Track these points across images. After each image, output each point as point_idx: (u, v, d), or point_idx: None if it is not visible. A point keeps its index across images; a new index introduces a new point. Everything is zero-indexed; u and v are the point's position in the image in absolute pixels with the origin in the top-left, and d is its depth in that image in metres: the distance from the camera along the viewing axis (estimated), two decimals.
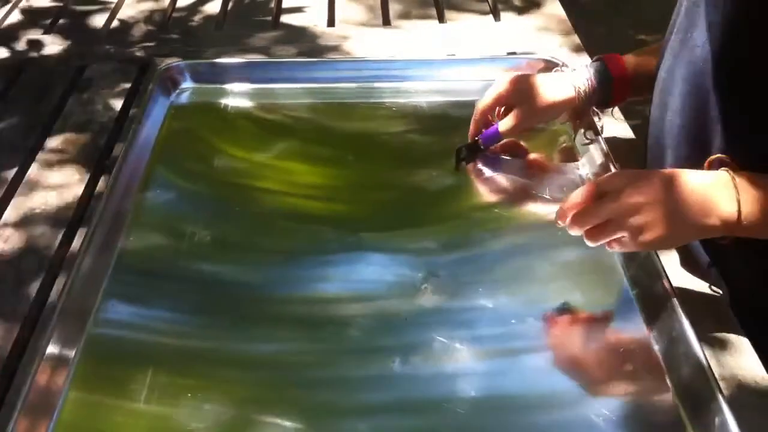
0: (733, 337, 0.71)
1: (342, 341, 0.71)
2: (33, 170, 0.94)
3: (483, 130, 0.89)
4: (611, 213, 0.64)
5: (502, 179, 0.89)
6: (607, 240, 0.66)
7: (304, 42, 1.20)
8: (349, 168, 0.92)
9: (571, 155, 0.92)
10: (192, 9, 1.34)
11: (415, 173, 0.90)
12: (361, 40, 1.20)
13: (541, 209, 0.85)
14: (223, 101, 1.04)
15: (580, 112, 0.89)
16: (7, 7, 1.34)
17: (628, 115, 1.01)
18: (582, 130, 0.91)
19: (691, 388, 0.64)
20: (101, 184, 0.92)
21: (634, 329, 0.71)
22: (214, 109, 1.02)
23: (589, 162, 0.90)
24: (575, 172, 0.90)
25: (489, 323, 0.72)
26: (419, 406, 0.66)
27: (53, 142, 0.99)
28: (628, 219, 0.64)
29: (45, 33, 1.25)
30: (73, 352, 0.69)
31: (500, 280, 0.77)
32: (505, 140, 0.89)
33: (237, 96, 1.05)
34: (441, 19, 1.29)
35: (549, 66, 1.04)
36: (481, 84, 1.05)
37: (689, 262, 0.78)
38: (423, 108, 1.02)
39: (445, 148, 0.91)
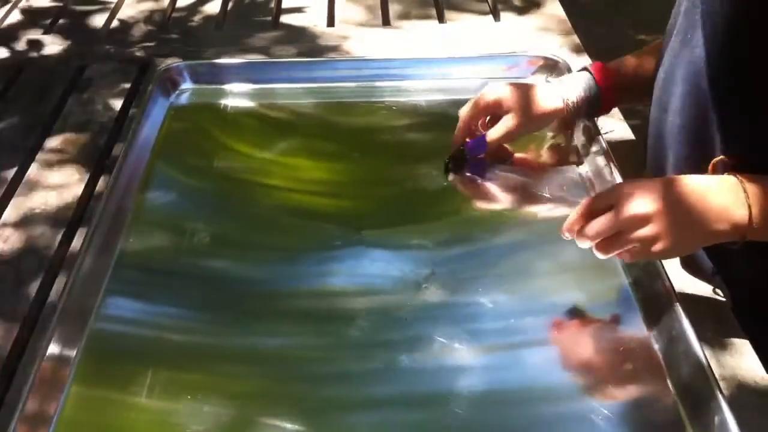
0: (733, 337, 0.71)
1: (345, 336, 0.71)
2: (33, 170, 0.94)
3: (467, 140, 0.88)
4: (621, 225, 0.64)
5: (499, 182, 0.88)
6: (618, 252, 0.66)
7: (304, 42, 1.20)
8: (353, 164, 0.93)
9: (568, 154, 0.92)
10: (192, 9, 1.34)
11: (416, 171, 0.90)
12: (361, 40, 1.20)
13: (541, 207, 0.85)
14: (223, 101, 1.04)
15: (568, 122, 0.89)
16: (7, 7, 1.34)
17: (628, 115, 1.01)
18: (566, 134, 0.91)
19: (691, 388, 0.64)
20: (101, 184, 0.92)
21: (634, 329, 0.71)
22: (213, 109, 1.02)
23: (589, 162, 0.90)
24: (575, 170, 0.90)
25: (490, 319, 0.73)
26: (422, 401, 0.66)
27: (53, 142, 0.99)
28: (638, 230, 0.63)
29: (45, 33, 1.26)
30: (74, 351, 0.70)
31: (502, 276, 0.77)
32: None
33: (237, 96, 1.05)
34: (441, 19, 1.29)
35: (548, 64, 1.04)
36: (481, 82, 1.04)
37: (689, 263, 0.78)
38: (423, 106, 1.02)
39: (445, 145, 0.91)
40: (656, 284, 0.72)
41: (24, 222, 0.86)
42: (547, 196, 0.86)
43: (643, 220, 0.63)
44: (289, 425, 0.64)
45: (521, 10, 1.30)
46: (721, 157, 0.68)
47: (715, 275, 0.76)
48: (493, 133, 0.85)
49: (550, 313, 0.73)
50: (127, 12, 1.32)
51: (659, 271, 0.72)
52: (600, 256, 0.67)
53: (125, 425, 0.64)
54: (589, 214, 0.67)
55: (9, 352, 0.71)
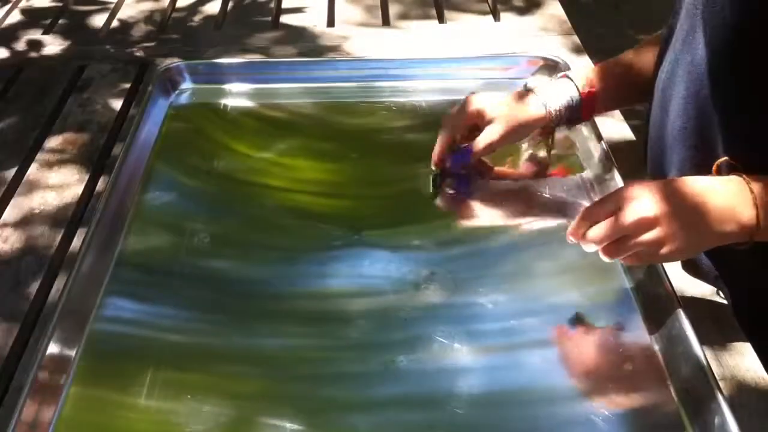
0: (733, 338, 0.71)
1: (345, 337, 0.71)
2: (32, 170, 0.94)
3: (449, 153, 0.85)
4: (628, 228, 0.63)
5: (496, 189, 0.87)
6: (625, 255, 0.66)
7: (304, 42, 1.20)
8: (353, 164, 0.93)
9: (548, 164, 0.90)
10: (192, 9, 1.34)
11: (416, 171, 0.90)
12: (361, 40, 1.20)
13: (541, 208, 0.85)
14: (223, 101, 1.04)
15: (549, 130, 0.88)
16: (7, 7, 1.34)
17: (628, 115, 1.01)
18: (547, 142, 0.89)
19: (691, 388, 0.64)
20: (101, 184, 0.92)
21: (634, 329, 0.71)
22: (213, 109, 1.02)
23: (589, 162, 0.90)
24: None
25: (490, 319, 0.73)
26: (422, 401, 0.66)
27: (53, 141, 0.99)
28: (645, 233, 0.63)
29: (45, 33, 1.26)
30: (74, 351, 0.70)
31: (501, 276, 0.77)
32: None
33: (237, 96, 1.05)
34: (441, 19, 1.29)
35: (548, 64, 1.04)
36: (480, 82, 1.05)
37: (690, 264, 0.78)
38: (422, 106, 1.02)
39: None
40: (656, 285, 0.72)
41: (24, 222, 0.86)
42: (547, 196, 0.86)
43: (650, 223, 0.63)
44: (289, 425, 0.64)
45: (521, 10, 1.30)
46: (725, 158, 0.67)
47: (715, 276, 0.76)
48: (477, 145, 0.83)
49: (550, 314, 0.73)
50: (127, 12, 1.32)
51: (659, 272, 0.72)
52: (605, 259, 0.67)
53: (125, 425, 0.64)
54: (594, 218, 0.66)
55: (9, 352, 0.71)
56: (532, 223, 0.84)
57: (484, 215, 0.85)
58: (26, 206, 0.89)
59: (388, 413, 0.66)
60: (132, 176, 0.89)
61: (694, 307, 0.74)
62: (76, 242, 0.83)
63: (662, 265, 0.73)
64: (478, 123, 0.84)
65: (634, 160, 0.88)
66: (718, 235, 0.64)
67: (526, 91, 0.85)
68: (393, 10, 1.32)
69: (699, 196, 0.63)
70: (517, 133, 0.83)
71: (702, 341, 0.66)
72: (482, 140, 0.83)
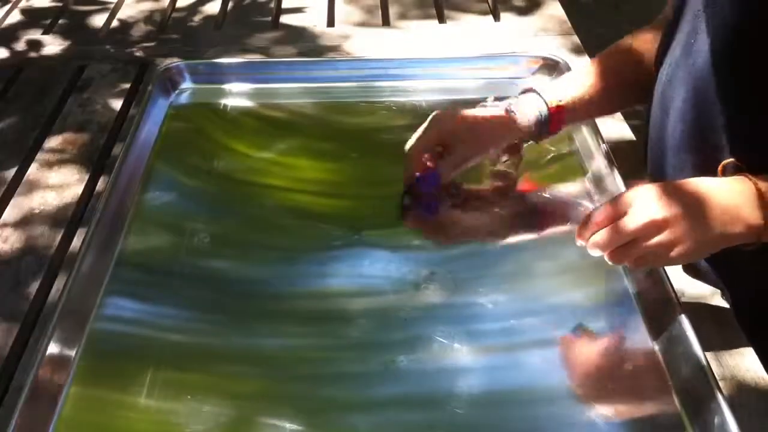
0: (733, 338, 0.71)
1: (345, 336, 0.71)
2: (32, 170, 0.94)
3: (418, 174, 0.82)
4: (637, 231, 0.63)
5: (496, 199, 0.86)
6: (632, 259, 0.65)
7: (304, 42, 1.20)
8: (353, 164, 0.93)
9: (517, 179, 0.88)
10: (192, 9, 1.34)
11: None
12: (361, 40, 1.20)
13: (542, 208, 0.85)
14: (223, 101, 1.04)
15: (518, 146, 0.86)
16: (7, 7, 1.34)
17: (628, 116, 1.01)
18: (504, 158, 0.87)
19: (691, 388, 0.64)
20: (101, 184, 0.92)
21: (634, 330, 0.71)
22: (213, 109, 1.02)
23: (589, 163, 0.90)
24: (575, 171, 0.89)
25: (490, 319, 0.73)
26: (422, 401, 0.66)
27: (53, 141, 0.99)
28: (654, 237, 0.62)
29: (45, 33, 1.26)
30: (74, 351, 0.70)
31: (502, 276, 0.77)
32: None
33: (237, 96, 1.05)
34: (441, 19, 1.29)
35: (548, 64, 1.04)
36: (480, 82, 1.05)
37: (690, 264, 0.78)
38: (422, 106, 1.02)
39: None
40: (657, 285, 0.72)
41: (24, 222, 0.86)
42: (547, 196, 0.86)
43: (659, 226, 0.62)
44: (289, 425, 0.64)
45: (521, 10, 1.30)
46: (731, 159, 0.67)
47: (715, 277, 0.76)
48: (446, 165, 0.81)
49: (549, 314, 0.73)
50: (127, 12, 1.32)
51: (660, 273, 0.72)
52: (612, 263, 0.66)
53: (125, 425, 0.64)
54: (603, 221, 0.65)
55: (9, 352, 0.71)
56: (533, 225, 0.84)
57: (484, 216, 0.85)
58: (26, 206, 0.89)
59: (388, 413, 0.66)
60: (132, 176, 0.89)
61: (695, 307, 0.74)
62: (76, 242, 0.83)
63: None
64: (445, 142, 0.81)
65: (634, 160, 0.88)
66: (726, 237, 0.63)
67: (493, 107, 0.83)
68: (393, 10, 1.32)
69: (707, 198, 0.63)
70: (485, 149, 0.82)
71: (702, 341, 0.66)
72: (449, 161, 0.81)
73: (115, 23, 1.29)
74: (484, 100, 0.85)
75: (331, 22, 1.28)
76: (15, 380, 0.68)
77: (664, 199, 0.63)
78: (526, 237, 0.82)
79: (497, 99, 0.84)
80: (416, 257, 0.80)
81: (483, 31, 1.23)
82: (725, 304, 0.75)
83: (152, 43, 1.21)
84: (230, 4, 1.35)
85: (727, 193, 0.64)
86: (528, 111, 0.81)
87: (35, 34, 1.25)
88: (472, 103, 0.83)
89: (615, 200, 0.65)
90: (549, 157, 0.92)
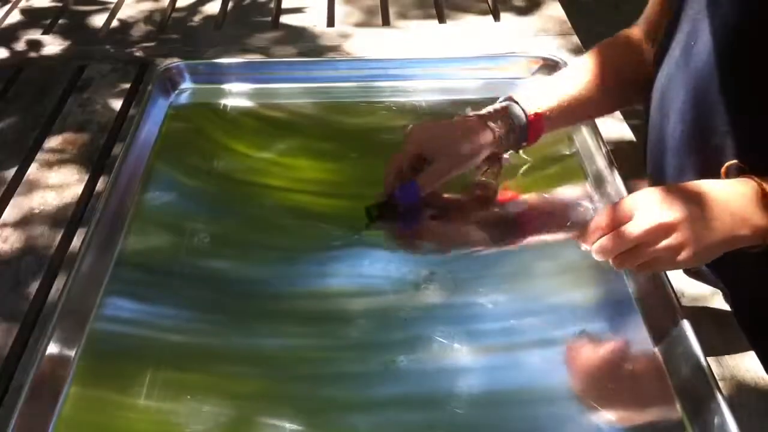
0: (733, 338, 0.71)
1: (345, 336, 0.71)
2: (32, 170, 0.94)
3: (398, 186, 0.80)
4: (643, 236, 0.62)
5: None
6: (638, 264, 0.64)
7: (304, 42, 1.20)
8: (353, 164, 0.93)
9: (497, 189, 0.87)
10: (191, 9, 1.34)
11: None
12: (361, 40, 1.20)
13: (542, 209, 0.85)
14: (223, 101, 1.04)
15: (496, 155, 0.84)
16: (7, 7, 1.34)
17: (628, 116, 1.01)
18: (485, 168, 0.85)
19: (691, 388, 0.64)
20: (101, 184, 0.92)
21: (634, 330, 0.71)
22: (213, 109, 1.02)
23: (590, 163, 0.90)
24: (575, 171, 0.89)
25: (490, 319, 0.73)
26: (422, 401, 0.66)
27: (52, 141, 0.99)
28: (661, 241, 0.61)
29: (45, 33, 1.26)
30: (74, 351, 0.70)
31: (501, 276, 0.77)
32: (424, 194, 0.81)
33: (237, 96, 1.05)
34: (441, 19, 1.29)
35: (548, 64, 1.04)
36: (480, 82, 1.05)
37: None
38: (422, 106, 1.02)
39: None
40: (657, 285, 0.72)
41: (23, 222, 0.86)
42: (546, 196, 0.86)
43: (666, 230, 0.61)
44: (289, 425, 0.63)
45: (521, 10, 1.30)
46: (734, 161, 0.67)
47: (715, 277, 0.76)
48: (425, 178, 0.79)
49: (550, 314, 0.73)
50: (126, 12, 1.32)
51: (660, 273, 0.72)
52: (617, 268, 0.65)
53: (125, 425, 0.64)
54: (607, 226, 0.64)
55: (9, 352, 0.71)
56: (533, 225, 0.84)
57: (464, 228, 0.84)
58: (26, 206, 0.89)
59: (388, 413, 0.66)
60: (132, 176, 0.89)
61: (694, 307, 0.74)
62: (76, 242, 0.83)
63: None
64: (423, 155, 0.80)
65: (634, 160, 0.88)
66: (734, 239, 0.62)
67: (471, 117, 0.81)
68: (393, 10, 1.32)
69: (714, 200, 0.62)
70: (466, 160, 0.80)
71: (702, 342, 0.66)
72: (429, 174, 0.79)
73: (115, 23, 1.29)
74: (470, 107, 0.84)
75: (331, 22, 1.28)
76: (15, 380, 0.69)
77: (670, 203, 0.62)
78: (506, 248, 0.81)
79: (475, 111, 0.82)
80: (416, 257, 0.80)
81: (483, 31, 1.23)
82: (725, 305, 0.75)
83: (152, 43, 1.21)
84: (230, 4, 1.35)
85: (733, 196, 0.63)
86: (505, 120, 0.80)
87: (35, 34, 1.25)
88: (472, 103, 0.82)
89: (619, 204, 0.64)
90: (549, 158, 0.92)
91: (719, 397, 0.61)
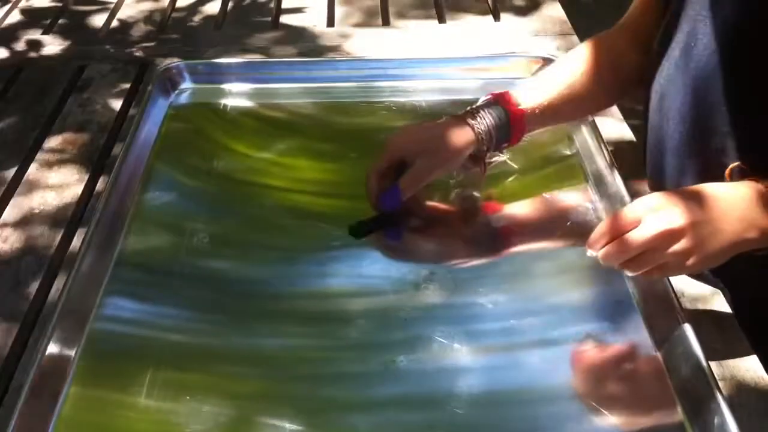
0: (732, 338, 0.71)
1: (345, 337, 0.71)
2: (32, 170, 0.94)
3: (381, 194, 0.79)
4: (651, 242, 0.61)
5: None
6: (647, 269, 0.63)
7: (304, 42, 1.20)
8: (353, 164, 0.92)
9: (481, 196, 0.87)
10: (191, 9, 1.34)
11: None
12: (361, 40, 1.20)
13: (542, 210, 0.85)
14: (223, 101, 1.04)
15: (479, 157, 0.82)
16: (7, 7, 1.34)
17: (628, 115, 1.01)
18: (469, 168, 0.83)
19: (691, 388, 0.64)
20: (101, 184, 0.91)
21: (633, 329, 0.71)
22: (213, 109, 1.02)
23: (590, 164, 0.90)
24: (576, 171, 0.89)
25: (490, 319, 0.73)
26: (422, 401, 0.66)
27: (52, 141, 0.99)
28: (669, 247, 0.61)
29: (45, 33, 1.25)
30: (74, 351, 0.70)
31: (501, 276, 0.77)
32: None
33: (237, 96, 1.05)
34: (441, 19, 1.29)
35: (548, 64, 1.03)
36: (480, 82, 1.05)
37: None
38: (422, 106, 1.02)
39: None
40: (656, 285, 0.72)
41: (23, 222, 0.86)
42: (547, 197, 0.86)
43: (675, 235, 0.61)
44: (289, 425, 0.64)
45: (521, 11, 1.30)
46: (737, 163, 0.67)
47: (715, 277, 0.76)
48: (407, 181, 0.77)
49: (550, 314, 0.73)
50: (126, 12, 1.32)
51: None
52: (628, 273, 0.65)
53: (125, 425, 0.64)
54: (615, 231, 0.63)
55: (9, 352, 0.71)
56: (533, 226, 0.84)
57: (447, 240, 0.83)
58: (26, 206, 0.89)
59: (388, 413, 0.66)
60: (132, 176, 0.89)
61: (694, 307, 0.74)
62: (76, 242, 0.83)
63: None
64: (405, 159, 0.78)
65: (634, 161, 0.88)
66: (742, 243, 0.62)
67: (451, 118, 0.80)
68: (393, 10, 1.32)
69: (720, 204, 0.62)
70: (448, 163, 0.78)
71: (702, 342, 0.66)
72: (410, 176, 0.77)
73: (115, 23, 1.29)
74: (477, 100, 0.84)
75: (330, 22, 1.28)
76: (15, 380, 0.68)
77: (677, 208, 0.61)
78: (490, 259, 0.80)
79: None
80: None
81: (483, 31, 1.23)
82: (725, 305, 0.75)
83: (152, 43, 1.21)
84: (230, 4, 1.35)
85: (739, 199, 0.63)
86: (486, 119, 0.78)
87: (35, 34, 1.25)
88: (472, 104, 0.82)
89: (626, 209, 0.64)
90: (549, 158, 0.92)
91: (719, 397, 0.61)
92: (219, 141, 0.97)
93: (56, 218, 0.87)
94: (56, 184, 0.92)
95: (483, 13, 1.30)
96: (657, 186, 0.79)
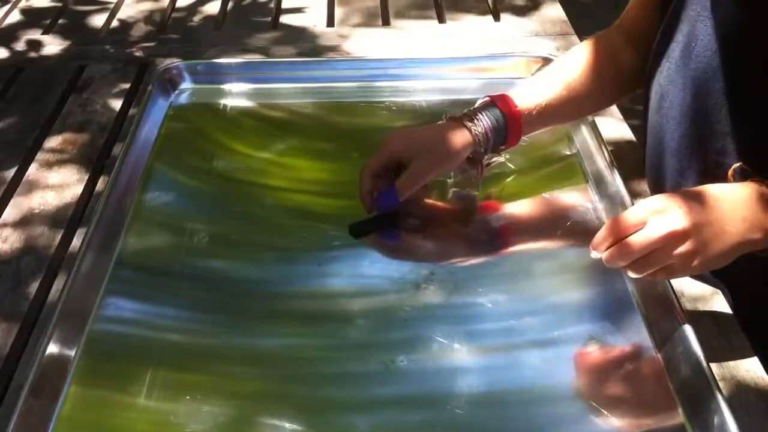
0: (732, 338, 0.71)
1: (345, 337, 0.71)
2: (32, 170, 0.94)
3: (376, 194, 0.78)
4: (656, 243, 0.61)
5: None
6: (653, 270, 0.63)
7: (304, 42, 1.20)
8: (353, 164, 0.92)
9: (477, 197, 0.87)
10: (191, 9, 1.34)
11: None
12: (361, 40, 1.20)
13: (543, 211, 0.85)
14: (223, 101, 1.04)
15: (476, 158, 0.81)
16: (7, 7, 1.34)
17: (628, 115, 1.01)
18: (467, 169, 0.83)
19: (691, 388, 0.64)
20: (101, 184, 0.91)
21: (633, 329, 0.71)
22: (213, 109, 1.02)
23: (590, 164, 0.90)
24: (576, 171, 0.89)
25: (490, 319, 0.73)
26: (422, 401, 0.66)
27: (52, 141, 0.99)
28: (675, 248, 0.61)
29: (45, 33, 1.25)
30: (74, 351, 0.70)
31: (501, 276, 0.77)
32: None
33: (236, 96, 1.05)
34: (441, 19, 1.29)
35: (547, 65, 1.03)
36: (480, 82, 1.05)
37: None
38: (422, 106, 1.02)
39: None
40: (656, 285, 0.72)
41: (23, 222, 0.86)
42: (547, 197, 0.86)
43: (680, 237, 0.61)
44: (289, 425, 0.63)
45: (521, 11, 1.30)
46: (739, 163, 0.67)
47: (715, 277, 0.76)
48: (404, 182, 0.77)
49: (550, 314, 0.73)
50: (126, 12, 1.32)
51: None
52: (633, 275, 0.64)
53: (124, 425, 0.64)
54: (619, 233, 0.63)
55: (8, 352, 0.71)
56: (533, 226, 0.84)
57: (445, 240, 0.83)
58: (26, 206, 0.89)
59: (388, 413, 0.66)
60: (132, 176, 0.89)
61: (694, 307, 0.74)
62: (76, 242, 0.83)
63: None
64: (400, 160, 0.78)
65: (634, 161, 0.88)
66: (745, 243, 0.62)
67: (449, 121, 0.79)
68: (393, 10, 1.32)
69: (724, 205, 0.62)
70: (444, 164, 0.78)
71: (702, 341, 0.66)
72: (407, 177, 0.77)
73: (115, 23, 1.29)
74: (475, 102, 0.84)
75: (330, 22, 1.28)
76: (15, 380, 0.68)
77: (684, 208, 0.61)
78: (490, 259, 0.80)
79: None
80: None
81: (483, 31, 1.23)
82: (725, 305, 0.75)
83: (152, 43, 1.21)
84: (230, 4, 1.35)
85: (742, 200, 0.63)
86: (483, 122, 0.78)
87: (35, 34, 1.25)
88: (472, 104, 0.82)
89: (630, 212, 0.64)
90: (549, 158, 0.92)
91: (719, 397, 0.61)
92: (219, 141, 0.97)
93: (56, 218, 0.87)
94: (56, 184, 0.92)
95: (483, 13, 1.30)
96: (657, 186, 0.79)
